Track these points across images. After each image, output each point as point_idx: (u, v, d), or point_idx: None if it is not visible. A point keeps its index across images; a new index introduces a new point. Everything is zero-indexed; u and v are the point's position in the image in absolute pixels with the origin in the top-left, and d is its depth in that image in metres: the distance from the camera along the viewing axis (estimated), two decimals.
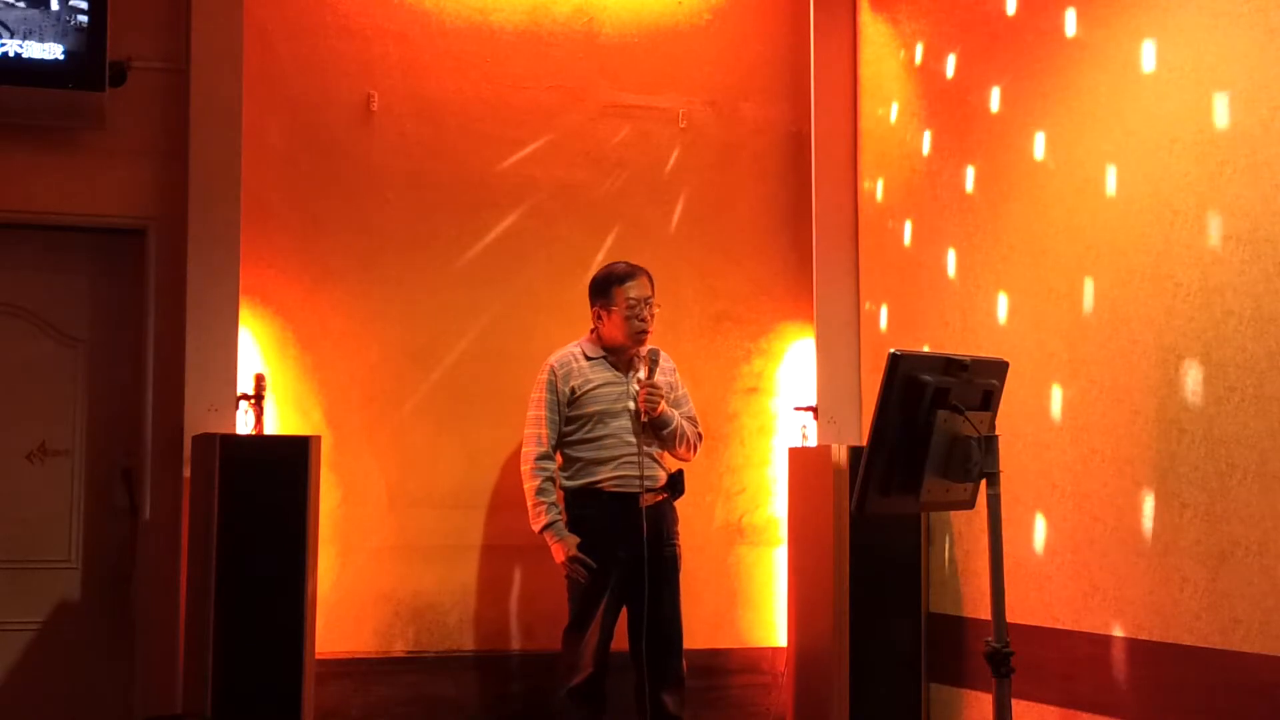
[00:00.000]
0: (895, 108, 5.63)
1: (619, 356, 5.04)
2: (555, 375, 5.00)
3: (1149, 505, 4.35)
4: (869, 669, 5.17)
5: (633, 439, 4.96)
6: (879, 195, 5.73)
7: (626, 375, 5.03)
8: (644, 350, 5.00)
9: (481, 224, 5.56)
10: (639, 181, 5.75)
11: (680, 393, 5.16)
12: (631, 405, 4.97)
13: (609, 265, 5.14)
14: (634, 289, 4.98)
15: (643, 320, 4.98)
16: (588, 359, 5.03)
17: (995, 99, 5.08)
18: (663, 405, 4.96)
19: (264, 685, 4.65)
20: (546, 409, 4.98)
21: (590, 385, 4.99)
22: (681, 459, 5.13)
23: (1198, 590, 4.17)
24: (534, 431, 5.00)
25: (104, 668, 5.13)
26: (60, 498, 5.16)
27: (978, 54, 5.18)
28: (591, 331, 5.10)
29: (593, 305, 5.06)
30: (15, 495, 5.11)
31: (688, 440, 5.09)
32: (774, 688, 5.68)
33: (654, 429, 4.99)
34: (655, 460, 5.01)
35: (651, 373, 4.97)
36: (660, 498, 5.00)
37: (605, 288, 5.02)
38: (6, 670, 5.07)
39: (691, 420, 5.13)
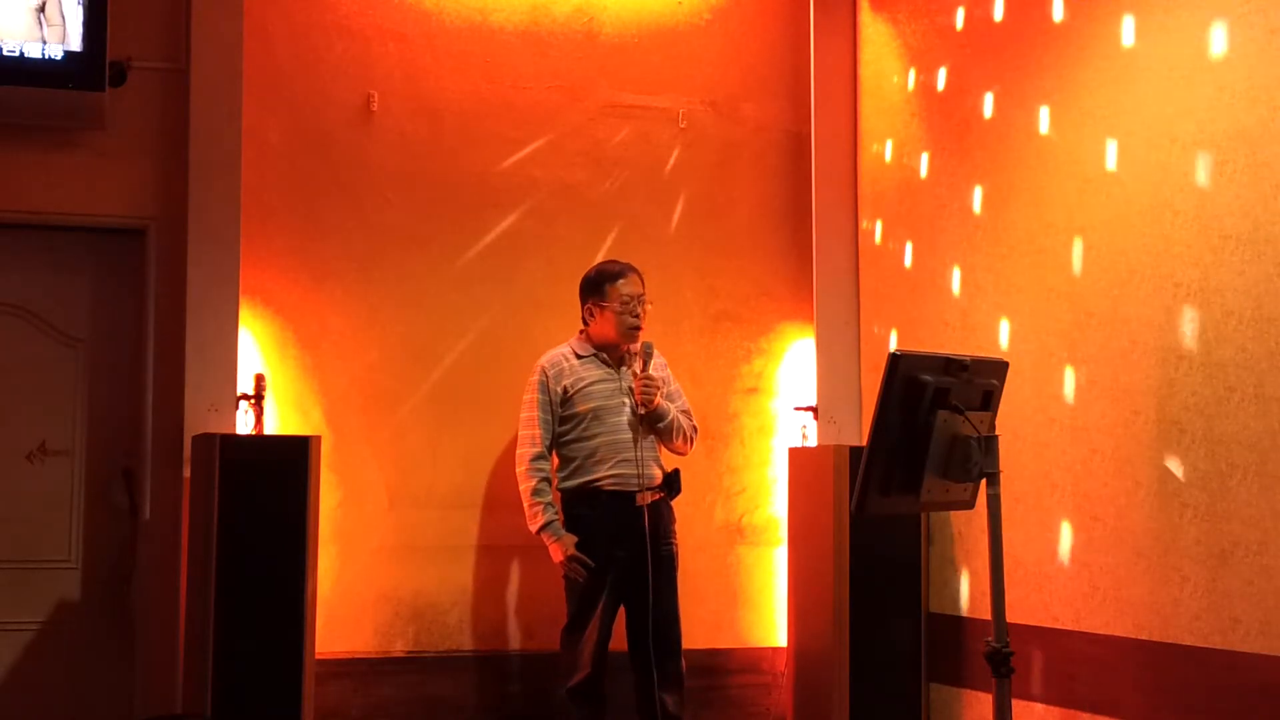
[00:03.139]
0: (895, 107, 5.63)
1: (611, 354, 5.04)
2: (546, 375, 5.00)
3: (1149, 505, 4.35)
4: (869, 669, 5.17)
5: (629, 436, 4.96)
6: (879, 195, 5.72)
7: (619, 371, 5.03)
8: (637, 345, 5.01)
9: (481, 224, 5.56)
10: (639, 181, 5.75)
11: (674, 387, 5.16)
12: (627, 400, 4.98)
13: (600, 263, 5.15)
14: (627, 286, 4.99)
15: (636, 317, 4.99)
16: (579, 357, 5.03)
17: (995, 99, 5.08)
18: (659, 398, 4.97)
19: (264, 685, 4.64)
20: (539, 409, 4.98)
21: (583, 383, 4.99)
22: (678, 452, 5.13)
23: (1198, 590, 4.17)
24: (528, 433, 5.00)
25: (104, 668, 5.13)
26: (60, 498, 5.15)
27: (978, 54, 5.18)
28: (581, 331, 5.10)
29: (584, 303, 5.06)
30: (15, 495, 5.10)
31: (684, 433, 5.09)
32: (774, 688, 5.68)
33: (650, 422, 4.99)
34: (652, 458, 5.01)
35: (646, 365, 4.97)
36: (657, 496, 5.00)
37: (598, 285, 5.02)
38: (6, 670, 5.07)
39: (686, 414, 5.14)
